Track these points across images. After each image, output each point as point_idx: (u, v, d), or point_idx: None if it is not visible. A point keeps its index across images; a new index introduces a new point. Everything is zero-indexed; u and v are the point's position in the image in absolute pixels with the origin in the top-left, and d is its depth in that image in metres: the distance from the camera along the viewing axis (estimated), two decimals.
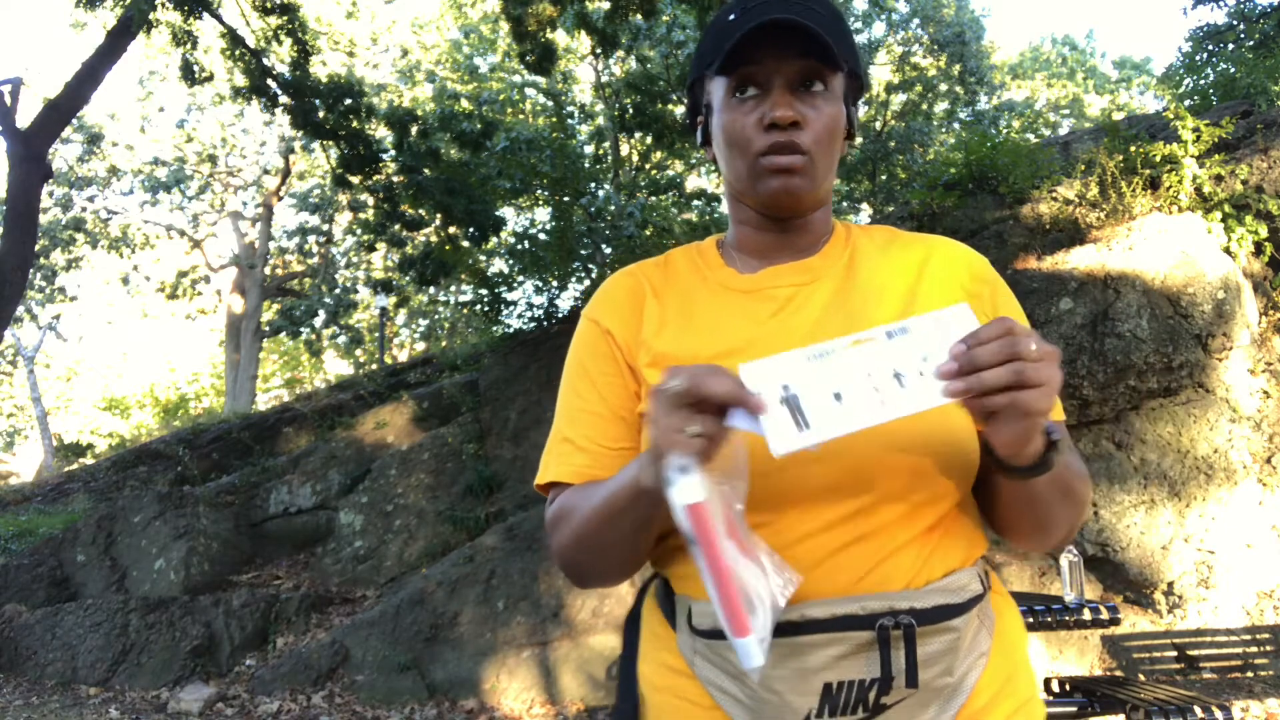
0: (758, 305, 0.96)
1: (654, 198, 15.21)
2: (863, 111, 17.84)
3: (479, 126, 9.76)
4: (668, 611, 0.95)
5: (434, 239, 11.24)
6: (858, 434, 0.72)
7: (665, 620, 0.96)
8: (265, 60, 9.35)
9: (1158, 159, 5.70)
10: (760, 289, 0.97)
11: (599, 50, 10.80)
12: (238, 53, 9.13)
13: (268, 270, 20.88)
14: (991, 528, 0.96)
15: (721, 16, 0.96)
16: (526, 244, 10.33)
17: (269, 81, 9.19)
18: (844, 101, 0.97)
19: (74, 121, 14.09)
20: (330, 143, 9.69)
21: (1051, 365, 0.71)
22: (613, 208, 9.94)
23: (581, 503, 0.90)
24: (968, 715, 0.87)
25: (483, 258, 11.62)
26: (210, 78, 9.65)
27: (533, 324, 9.05)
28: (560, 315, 8.96)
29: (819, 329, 0.91)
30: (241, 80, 9.65)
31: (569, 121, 16.02)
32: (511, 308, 9.83)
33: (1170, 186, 5.63)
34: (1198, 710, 2.84)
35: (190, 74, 9.03)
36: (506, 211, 12.00)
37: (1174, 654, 4.49)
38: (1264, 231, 5.38)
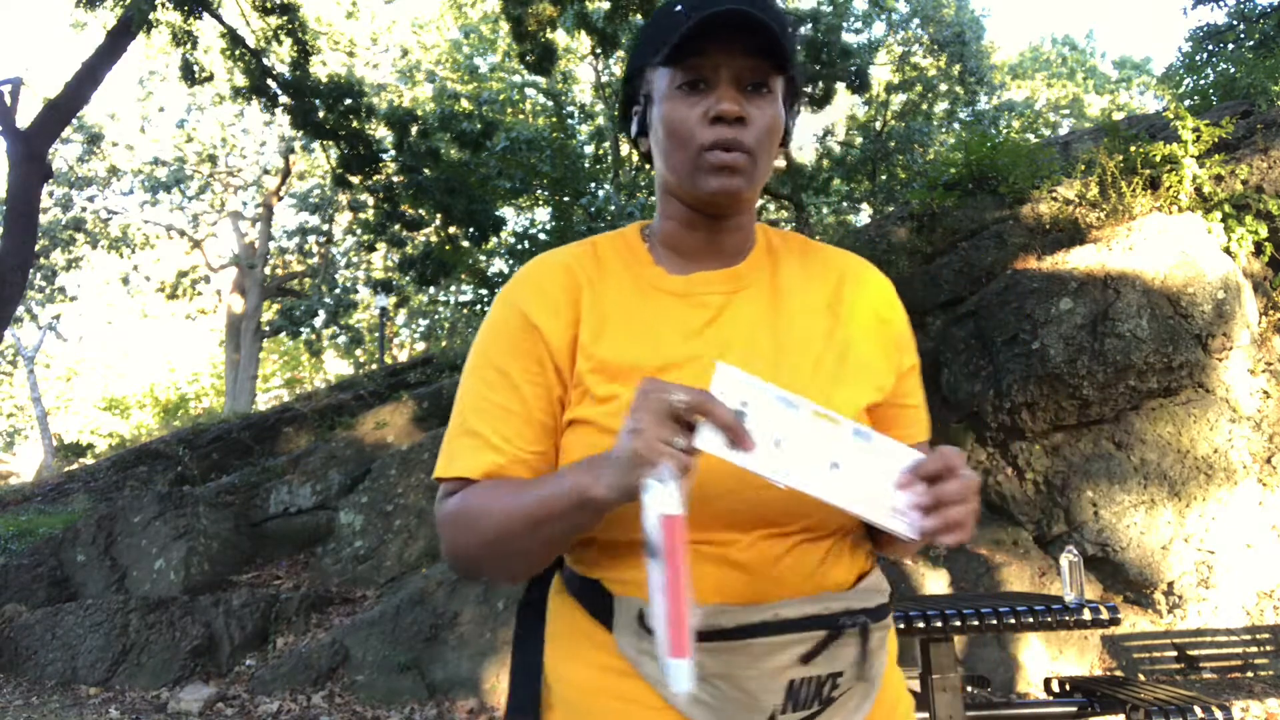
0: (690, 312, 0.95)
1: (654, 198, 15.21)
2: (862, 111, 17.83)
3: (479, 126, 9.77)
4: (597, 611, 0.92)
5: (434, 239, 11.24)
6: None
7: (593, 620, 0.92)
8: (265, 60, 9.35)
9: (1158, 159, 5.71)
10: (691, 293, 0.96)
11: (599, 50, 10.81)
12: (238, 53, 9.13)
13: (268, 270, 20.88)
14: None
15: (666, 9, 0.95)
16: (526, 244, 10.35)
17: (269, 81, 9.20)
18: (785, 105, 0.97)
19: (74, 121, 14.10)
20: (330, 143, 9.69)
21: (975, 489, 0.81)
22: (613, 208, 9.95)
23: (494, 504, 0.87)
24: (881, 706, 0.95)
25: (483, 258, 11.63)
26: (210, 78, 9.65)
27: None
28: None
29: (751, 345, 0.93)
30: (241, 80, 9.66)
31: (569, 121, 16.02)
32: None
33: (1170, 186, 5.64)
34: (1198, 710, 2.84)
35: (190, 74, 9.03)
36: (506, 211, 12.02)
37: (1174, 654, 4.49)
38: (1264, 231, 5.38)
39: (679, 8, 0.92)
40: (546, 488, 0.82)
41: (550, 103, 16.52)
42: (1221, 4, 13.19)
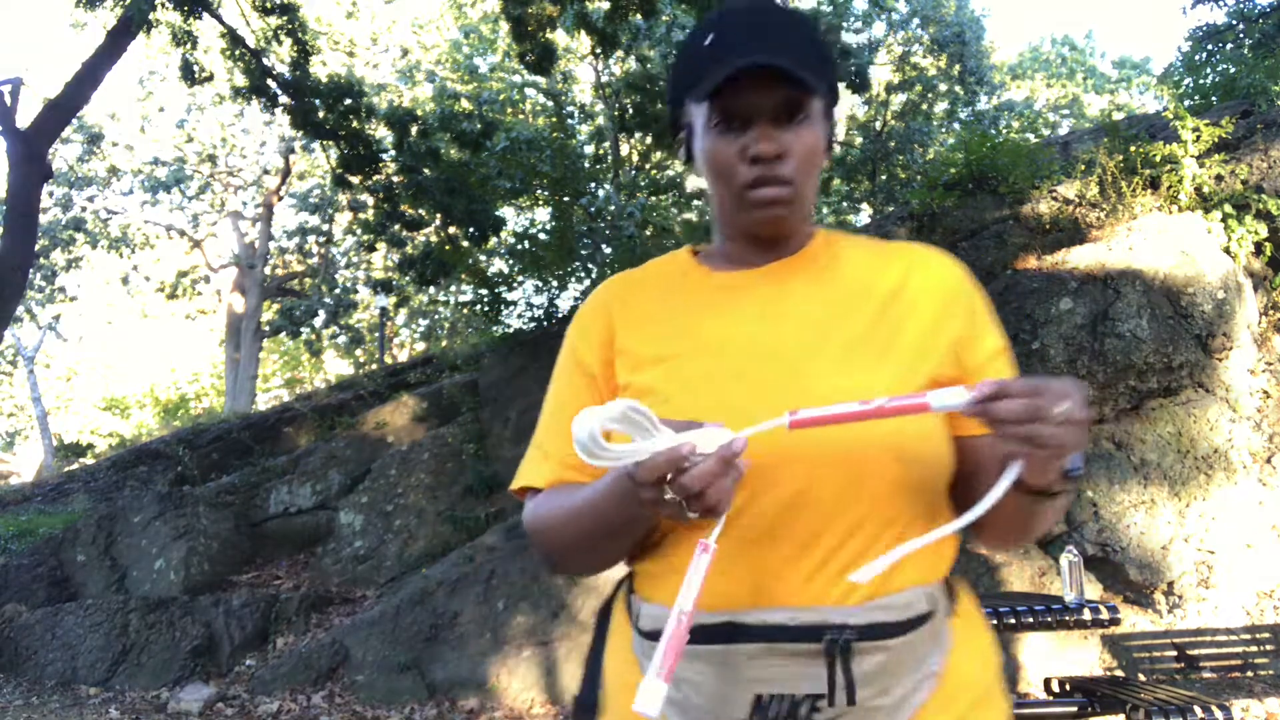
0: (738, 300, 0.98)
1: (654, 198, 15.23)
2: (862, 111, 17.83)
3: (479, 126, 9.75)
4: (628, 604, 0.99)
5: (434, 239, 11.23)
6: (822, 454, 0.84)
7: (628, 616, 0.98)
8: (265, 60, 9.34)
9: (1158, 159, 5.70)
10: (738, 286, 0.99)
11: (599, 50, 10.80)
12: (238, 53, 9.12)
13: (268, 270, 20.87)
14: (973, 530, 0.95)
15: (696, 39, 0.96)
16: (526, 244, 10.34)
17: (269, 81, 9.19)
18: (824, 117, 0.97)
19: (74, 121, 14.09)
20: (330, 143, 9.68)
21: (1053, 406, 0.73)
22: (613, 208, 9.94)
23: (558, 507, 0.93)
24: None
25: (483, 258, 11.62)
26: (210, 78, 9.63)
27: (533, 324, 9.06)
28: (560, 315, 8.96)
29: (802, 324, 0.94)
30: (241, 80, 9.64)
31: (569, 121, 16.02)
32: (511, 308, 9.84)
33: (1170, 186, 5.64)
34: (1198, 710, 2.84)
35: (190, 74, 9.02)
36: (506, 211, 11.99)
37: (1174, 654, 4.48)
38: (1264, 231, 5.38)
39: (707, 40, 0.93)
40: (601, 484, 0.86)
41: (550, 103, 16.52)
42: (1221, 4, 13.18)
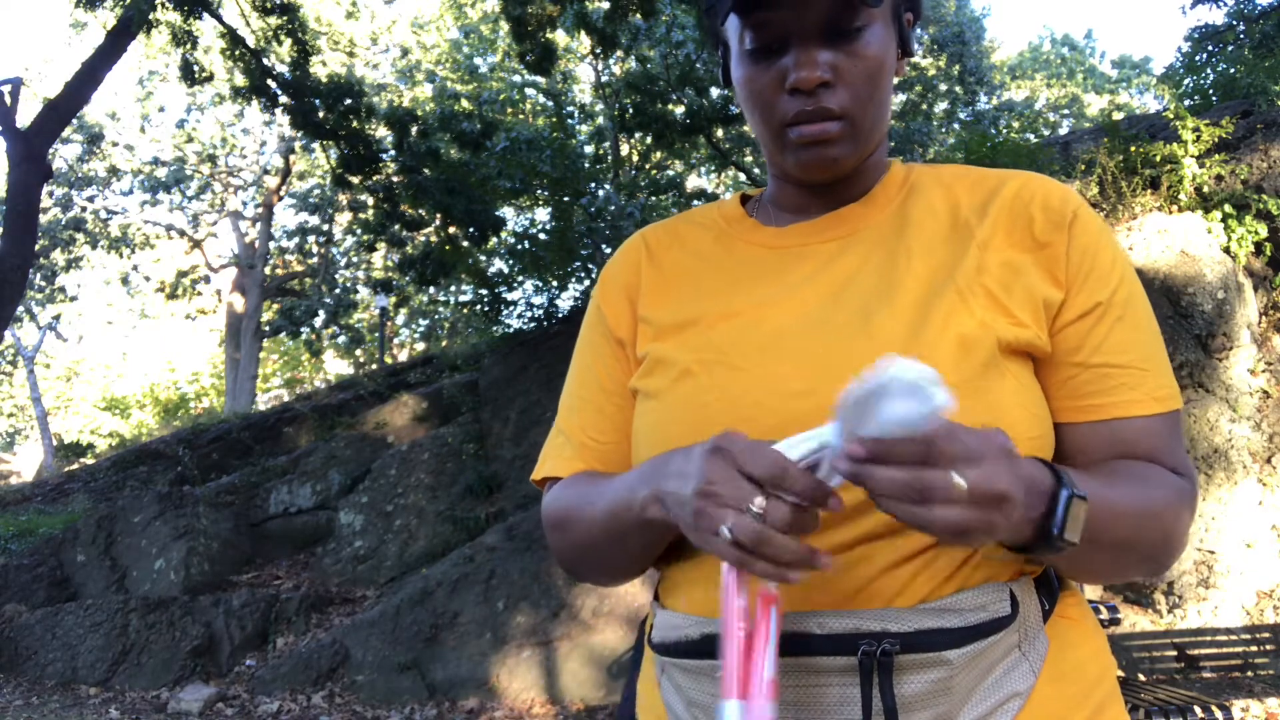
0: (785, 261, 0.82)
1: (654, 198, 15.21)
2: None
3: (479, 126, 9.76)
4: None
5: (434, 239, 11.24)
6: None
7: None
8: (265, 60, 9.34)
9: (1158, 159, 5.71)
10: (788, 245, 0.83)
11: (599, 50, 10.80)
12: (238, 53, 9.13)
13: (268, 270, 20.89)
14: None
15: None
16: (526, 244, 10.35)
17: (269, 81, 9.19)
18: (894, 18, 0.79)
19: (74, 121, 14.10)
20: (330, 143, 9.69)
21: (976, 510, 0.55)
22: (613, 208, 9.94)
23: (576, 510, 0.81)
24: None
25: (483, 258, 11.62)
26: (210, 78, 9.65)
27: (532, 324, 9.07)
28: (560, 315, 8.97)
29: (860, 285, 0.77)
30: (241, 80, 9.65)
31: (569, 121, 16.02)
32: (511, 308, 9.86)
33: (1170, 186, 5.64)
34: (1198, 710, 2.84)
35: (190, 74, 9.03)
36: (506, 211, 12.00)
37: (1174, 654, 4.49)
38: (1264, 231, 5.38)
39: None
40: (618, 498, 0.74)
41: (550, 103, 16.52)
42: (1221, 4, 13.19)
